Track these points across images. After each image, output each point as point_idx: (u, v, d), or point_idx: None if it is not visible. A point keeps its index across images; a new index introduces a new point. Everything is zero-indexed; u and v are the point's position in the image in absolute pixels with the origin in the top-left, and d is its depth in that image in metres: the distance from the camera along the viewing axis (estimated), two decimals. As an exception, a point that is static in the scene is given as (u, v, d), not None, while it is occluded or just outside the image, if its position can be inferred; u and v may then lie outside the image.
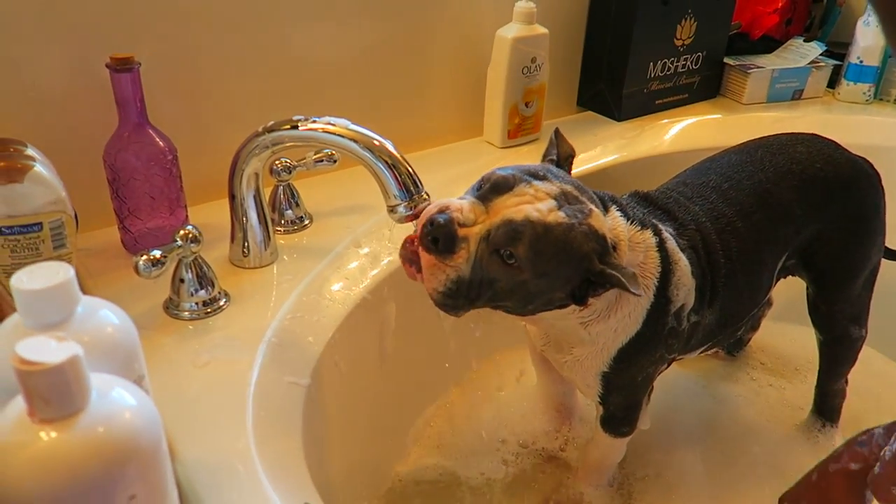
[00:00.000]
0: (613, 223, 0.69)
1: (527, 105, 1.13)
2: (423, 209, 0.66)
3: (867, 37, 1.34)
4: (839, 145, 0.90)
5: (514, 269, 0.62)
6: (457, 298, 0.64)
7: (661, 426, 0.99)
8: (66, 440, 0.35)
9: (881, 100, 1.40)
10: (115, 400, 0.38)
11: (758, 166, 0.84)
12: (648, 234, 0.72)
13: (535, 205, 0.62)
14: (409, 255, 0.65)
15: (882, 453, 0.52)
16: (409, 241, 0.65)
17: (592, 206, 0.66)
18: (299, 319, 0.74)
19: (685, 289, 0.75)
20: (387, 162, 0.69)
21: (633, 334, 0.73)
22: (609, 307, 0.71)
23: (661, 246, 0.73)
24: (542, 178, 0.64)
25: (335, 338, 0.75)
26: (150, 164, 0.77)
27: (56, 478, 0.34)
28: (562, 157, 0.72)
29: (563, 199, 0.64)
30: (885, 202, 0.91)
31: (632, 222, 0.71)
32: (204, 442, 0.57)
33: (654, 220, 0.75)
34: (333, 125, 0.70)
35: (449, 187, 0.87)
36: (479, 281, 0.63)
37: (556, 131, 0.73)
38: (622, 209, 0.72)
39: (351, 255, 0.86)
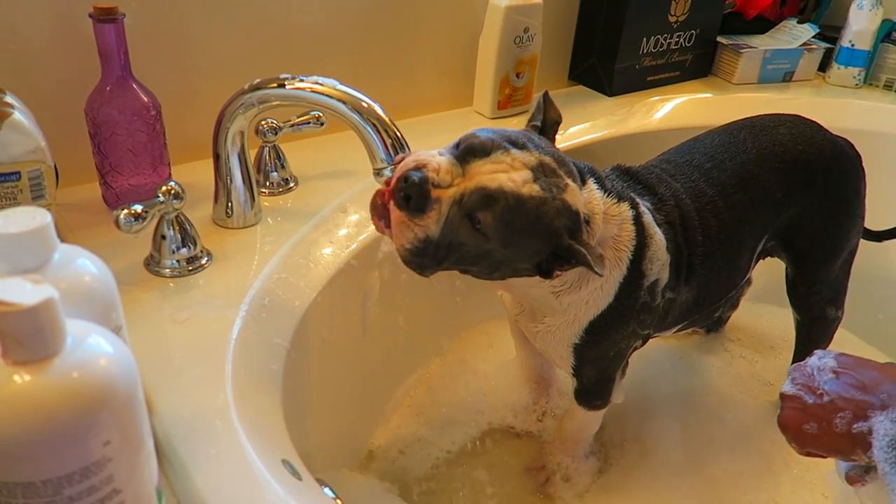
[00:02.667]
0: (589, 196, 0.68)
1: (518, 76, 1.12)
2: (402, 159, 0.65)
3: (860, 21, 1.34)
4: (821, 127, 0.90)
5: (481, 237, 0.62)
6: (423, 257, 0.63)
7: (637, 395, 1.01)
8: (40, 383, 0.34)
9: (871, 84, 1.41)
10: (91, 346, 0.37)
11: (740, 147, 0.84)
12: (625, 206, 0.72)
13: (510, 174, 0.61)
14: (379, 210, 0.64)
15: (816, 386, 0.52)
16: (379, 194, 0.64)
17: (569, 181, 0.65)
18: (282, 281, 0.73)
19: (659, 263, 0.75)
20: (374, 124, 0.68)
21: (605, 307, 0.73)
22: (581, 278, 0.71)
23: (637, 219, 0.72)
24: (521, 147, 0.63)
25: (318, 301, 0.75)
26: (133, 118, 0.76)
27: (29, 420, 0.34)
28: (547, 124, 0.70)
29: (540, 171, 0.62)
30: (865, 184, 0.91)
31: (609, 195, 0.71)
32: (182, 397, 0.56)
33: (632, 194, 0.74)
34: (321, 85, 0.69)
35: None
36: (447, 243, 0.62)
37: (545, 95, 0.72)
38: (600, 181, 0.71)
39: (336, 219, 0.85)
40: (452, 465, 0.93)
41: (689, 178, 0.81)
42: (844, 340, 1.01)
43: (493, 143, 0.62)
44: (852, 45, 1.36)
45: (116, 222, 0.64)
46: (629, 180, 0.78)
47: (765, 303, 1.17)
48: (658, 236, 0.74)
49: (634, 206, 0.73)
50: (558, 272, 0.66)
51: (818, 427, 0.51)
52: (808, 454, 0.54)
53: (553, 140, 0.70)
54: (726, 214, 0.80)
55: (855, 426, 0.49)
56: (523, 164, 0.62)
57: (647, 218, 0.74)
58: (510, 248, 0.63)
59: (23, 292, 0.34)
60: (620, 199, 0.72)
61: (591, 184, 0.69)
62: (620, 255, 0.72)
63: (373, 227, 0.84)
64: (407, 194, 0.61)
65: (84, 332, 0.37)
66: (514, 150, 0.62)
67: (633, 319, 0.76)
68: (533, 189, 0.61)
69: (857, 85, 1.39)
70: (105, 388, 0.36)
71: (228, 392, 0.57)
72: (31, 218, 0.40)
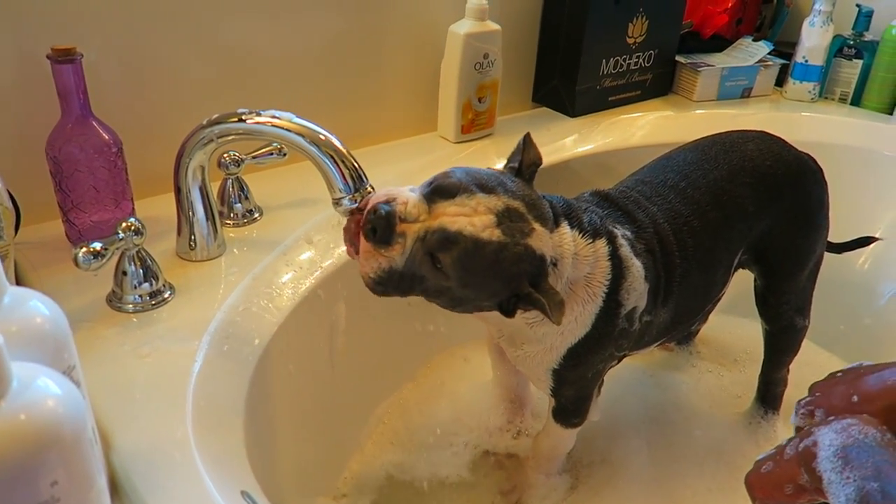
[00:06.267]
0: (560, 239, 0.69)
1: (480, 100, 1.14)
2: (371, 197, 0.66)
3: (812, 37, 1.38)
4: (786, 142, 0.92)
5: (441, 274, 0.63)
6: (387, 286, 0.65)
7: (606, 415, 1.01)
8: (-15, 427, 0.35)
9: (826, 98, 1.45)
10: (39, 388, 0.37)
11: (712, 164, 0.85)
12: (601, 243, 0.72)
13: (471, 218, 0.62)
14: (351, 237, 0.67)
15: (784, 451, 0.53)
16: (353, 220, 0.67)
17: (536, 225, 0.65)
18: (245, 311, 0.74)
19: (636, 293, 0.75)
20: (332, 156, 0.69)
21: (583, 336, 0.74)
22: None
23: (614, 254, 0.73)
24: (490, 192, 0.64)
25: (282, 331, 0.75)
26: (94, 156, 0.76)
27: (-26, 463, 0.34)
28: (525, 165, 0.70)
29: (505, 216, 0.63)
30: (828, 196, 0.94)
31: (584, 234, 0.71)
32: (141, 431, 0.57)
33: (610, 226, 0.75)
34: (279, 118, 0.70)
35: (403, 181, 0.86)
36: (410, 275, 0.64)
37: (526, 137, 0.71)
38: (576, 220, 0.71)
39: (301, 248, 0.86)
40: (429, 490, 0.93)
41: (665, 199, 0.82)
42: (806, 350, 1.02)
43: (461, 185, 0.63)
44: (806, 61, 1.40)
45: (75, 261, 0.64)
46: (608, 207, 0.78)
47: (729, 314, 1.18)
48: (635, 268, 0.75)
49: (612, 240, 0.73)
50: (521, 311, 0.68)
51: (773, 463, 0.52)
52: None
53: (530, 181, 0.70)
54: (702, 233, 0.81)
55: (801, 445, 0.50)
56: (487, 208, 0.63)
57: (624, 251, 0.74)
58: (468, 289, 0.65)
59: (-35, 338, 0.35)
60: (596, 235, 0.72)
61: (565, 226, 0.70)
62: (594, 291, 0.73)
63: (337, 255, 0.86)
64: (374, 226, 0.63)
65: (31, 375, 0.38)
66: (480, 195, 0.63)
67: (612, 344, 0.77)
68: (494, 234, 0.62)
69: (812, 99, 1.42)
70: (52, 428, 0.37)
71: (188, 425, 0.57)
72: (-23, 263, 0.41)
